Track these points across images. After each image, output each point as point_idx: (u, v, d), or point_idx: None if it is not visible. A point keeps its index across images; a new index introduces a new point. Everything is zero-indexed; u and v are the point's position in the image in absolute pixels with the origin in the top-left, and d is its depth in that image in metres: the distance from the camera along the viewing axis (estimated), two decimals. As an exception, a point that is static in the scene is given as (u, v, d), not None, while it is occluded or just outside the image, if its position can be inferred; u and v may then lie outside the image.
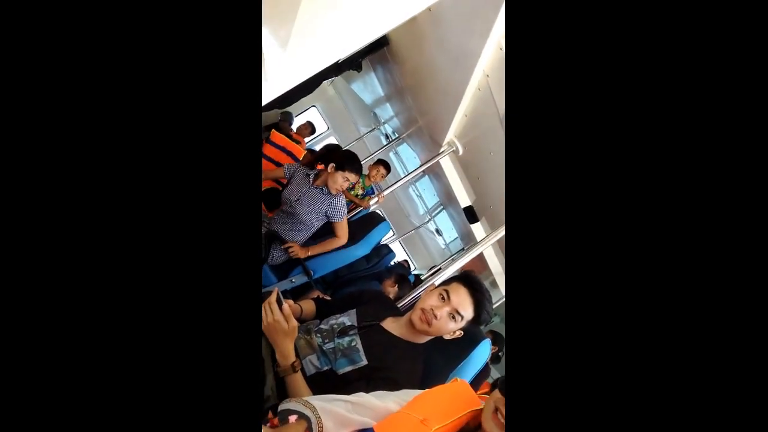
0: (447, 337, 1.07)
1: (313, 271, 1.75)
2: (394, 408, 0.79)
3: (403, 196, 4.32)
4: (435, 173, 2.94)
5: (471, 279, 1.08)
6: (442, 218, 3.83)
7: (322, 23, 0.60)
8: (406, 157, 4.06)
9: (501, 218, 1.90)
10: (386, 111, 3.61)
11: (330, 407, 0.73)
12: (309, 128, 3.96)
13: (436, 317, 1.03)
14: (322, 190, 1.85)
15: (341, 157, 1.84)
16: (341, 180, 1.79)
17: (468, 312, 1.03)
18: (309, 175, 1.89)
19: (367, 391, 0.86)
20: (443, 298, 1.05)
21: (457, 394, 0.80)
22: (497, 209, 1.93)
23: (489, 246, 1.75)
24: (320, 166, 2.04)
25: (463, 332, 1.07)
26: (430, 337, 1.11)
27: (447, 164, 2.21)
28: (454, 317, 1.02)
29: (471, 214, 2.25)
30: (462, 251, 3.10)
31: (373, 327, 1.18)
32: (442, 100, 1.88)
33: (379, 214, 2.47)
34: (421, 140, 2.79)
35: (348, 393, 0.80)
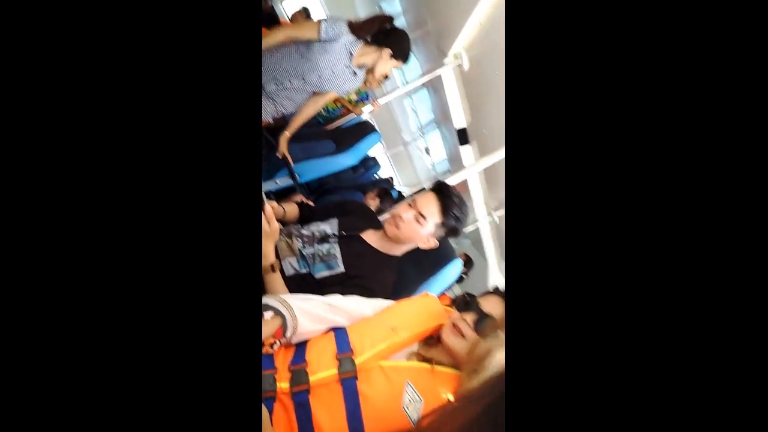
0: (422, 245, 1.11)
1: (298, 175, 1.72)
2: (368, 313, 0.84)
3: (397, 108, 4.12)
4: (434, 87, 2.76)
5: (441, 185, 1.09)
6: (434, 137, 3.73)
7: None
8: (407, 66, 3.77)
9: (492, 145, 1.86)
10: (393, 6, 3.22)
11: (306, 306, 0.77)
12: (303, 15, 3.52)
13: (402, 219, 1.07)
14: (355, 71, 1.52)
15: (400, 43, 1.48)
16: (390, 68, 1.49)
17: (433, 214, 1.05)
18: (351, 49, 1.47)
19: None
20: (410, 204, 1.08)
21: (427, 307, 0.85)
22: (491, 134, 1.87)
23: (475, 174, 1.73)
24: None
25: (438, 243, 1.11)
26: (405, 249, 1.15)
27: (449, 79, 2.06)
28: (419, 220, 1.05)
29: (463, 136, 2.19)
30: (447, 173, 3.10)
31: (353, 237, 1.21)
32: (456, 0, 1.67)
33: (371, 124, 2.36)
34: (426, 48, 2.55)
35: (324, 295, 0.84)
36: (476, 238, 2.40)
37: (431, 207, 1.07)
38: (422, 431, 0.58)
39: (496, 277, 2.45)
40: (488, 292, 0.81)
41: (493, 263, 2.35)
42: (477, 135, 2.13)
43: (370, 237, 1.20)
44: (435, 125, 3.51)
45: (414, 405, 0.69)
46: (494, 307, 0.76)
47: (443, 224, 1.07)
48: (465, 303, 0.77)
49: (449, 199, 1.07)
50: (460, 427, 0.57)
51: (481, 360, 0.72)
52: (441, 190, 1.09)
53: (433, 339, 0.83)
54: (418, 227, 1.07)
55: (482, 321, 0.74)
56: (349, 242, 1.19)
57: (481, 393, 0.62)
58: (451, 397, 0.71)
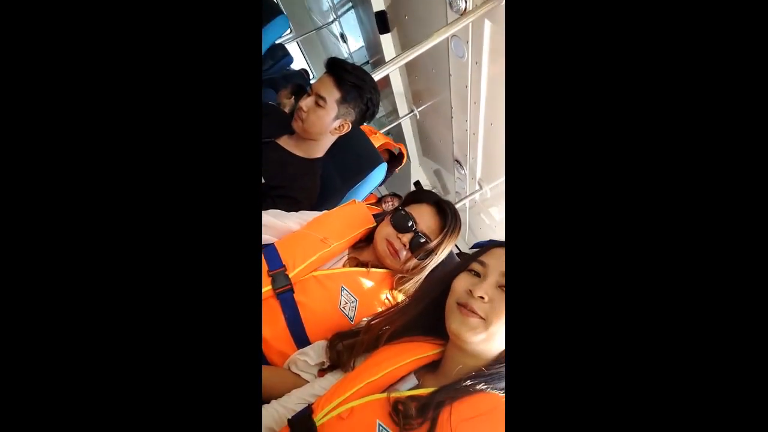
0: (334, 133, 1.08)
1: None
2: (295, 227, 0.83)
3: (304, -18, 3.51)
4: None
5: (334, 61, 1.03)
6: (349, 20, 3.33)
7: None
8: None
9: (413, 36, 1.72)
10: None
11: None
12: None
13: (304, 110, 1.03)
14: None
15: None
16: None
17: (330, 90, 1.01)
18: None
19: (264, 210, 0.87)
20: (308, 93, 1.04)
21: (354, 214, 0.86)
22: (412, 20, 1.71)
23: (395, 68, 1.63)
24: None
25: (350, 125, 1.07)
26: (323, 146, 1.11)
27: (363, -53, 1.75)
28: (318, 103, 1.02)
29: (383, 22, 1.98)
30: (366, 64, 2.87)
31: (269, 144, 1.12)
32: None
33: (277, 4, 2.00)
34: None
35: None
36: (398, 133, 2.38)
37: (326, 84, 1.01)
38: (370, 330, 0.63)
39: (418, 173, 2.54)
40: (416, 199, 0.82)
41: (414, 159, 2.41)
42: (398, 20, 1.94)
43: (286, 142, 1.11)
44: (350, 5, 3.10)
45: (350, 305, 0.74)
46: (422, 216, 0.78)
47: (344, 99, 1.02)
48: (402, 220, 0.78)
49: (343, 70, 1.01)
50: (404, 325, 0.64)
51: (414, 273, 0.77)
52: (334, 65, 1.02)
53: (362, 242, 0.85)
54: (321, 112, 1.02)
55: (417, 242, 0.76)
56: (265, 151, 1.09)
57: (423, 293, 0.68)
58: (391, 298, 0.77)
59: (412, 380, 0.57)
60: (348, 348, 0.63)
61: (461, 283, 0.56)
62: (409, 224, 0.77)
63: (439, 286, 0.61)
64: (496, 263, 0.55)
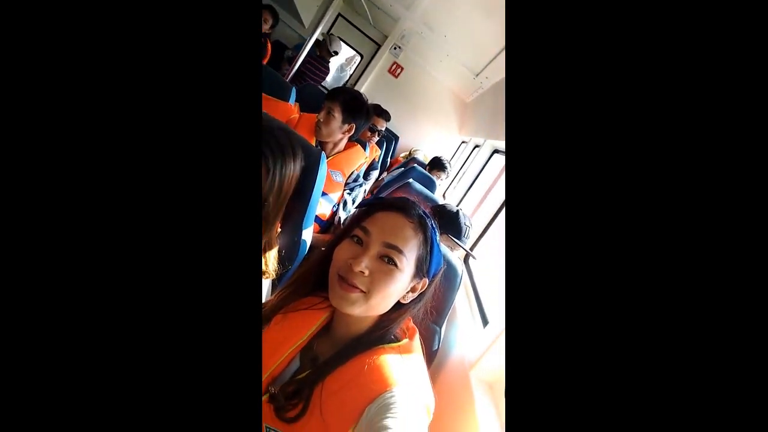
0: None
1: None
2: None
3: None
4: None
5: None
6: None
7: None
8: None
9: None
10: None
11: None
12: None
13: None
14: None
15: None
16: None
17: None
18: None
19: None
20: None
21: None
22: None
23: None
24: None
25: None
26: None
27: None
28: None
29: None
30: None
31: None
32: None
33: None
34: None
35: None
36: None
37: None
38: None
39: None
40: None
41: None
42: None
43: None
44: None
45: None
46: None
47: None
48: None
49: None
50: (291, 294, 0.59)
51: None
52: None
53: None
54: None
55: None
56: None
57: (308, 262, 0.64)
58: None
59: (295, 364, 0.56)
60: None
61: (342, 253, 0.55)
62: None
63: (321, 255, 0.60)
64: (379, 231, 0.54)
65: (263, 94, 1.45)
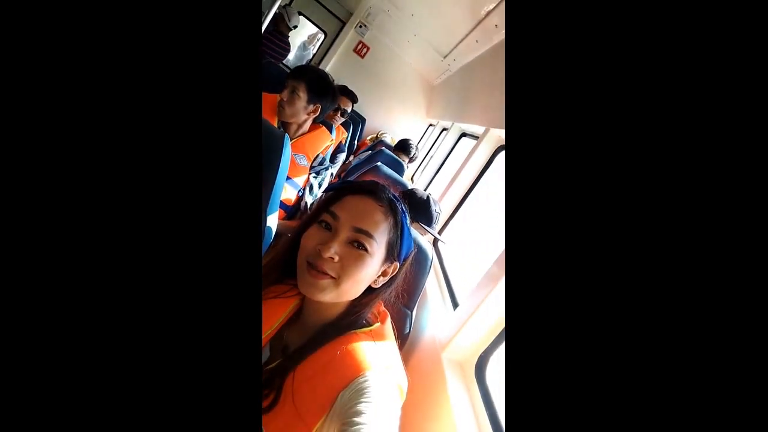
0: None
1: None
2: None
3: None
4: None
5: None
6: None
7: None
8: None
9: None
10: None
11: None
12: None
13: None
14: None
15: None
16: None
17: None
18: None
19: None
20: None
21: None
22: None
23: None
24: None
25: None
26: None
27: None
28: None
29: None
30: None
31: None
32: None
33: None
34: None
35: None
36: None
37: None
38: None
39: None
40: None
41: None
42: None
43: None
44: None
45: None
46: None
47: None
48: None
49: None
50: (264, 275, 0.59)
51: None
52: None
53: None
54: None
55: None
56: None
57: (276, 250, 0.62)
58: None
59: (265, 354, 0.56)
60: None
61: (311, 239, 0.53)
62: None
63: (288, 242, 0.59)
64: (348, 216, 0.53)
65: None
